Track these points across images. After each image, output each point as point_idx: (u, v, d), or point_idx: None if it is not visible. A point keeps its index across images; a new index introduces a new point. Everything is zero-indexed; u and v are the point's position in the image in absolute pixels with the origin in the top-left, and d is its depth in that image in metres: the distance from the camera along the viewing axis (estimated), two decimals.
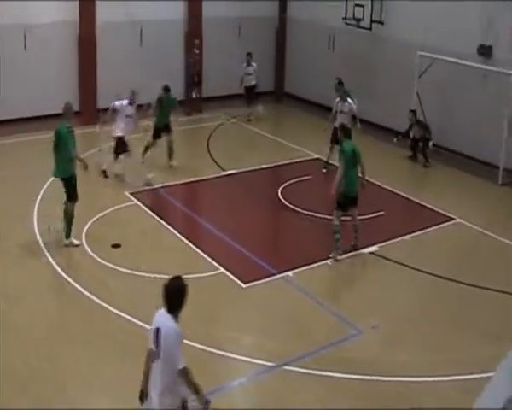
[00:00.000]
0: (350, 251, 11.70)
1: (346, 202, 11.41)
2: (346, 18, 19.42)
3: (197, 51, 20.16)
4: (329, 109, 19.93)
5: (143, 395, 6.04)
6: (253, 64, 19.72)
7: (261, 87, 20.16)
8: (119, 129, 14.21)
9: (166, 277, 6.01)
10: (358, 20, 19.13)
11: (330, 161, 15.33)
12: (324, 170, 15.52)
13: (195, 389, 5.87)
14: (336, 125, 14.31)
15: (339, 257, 11.43)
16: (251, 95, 19.81)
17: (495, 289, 10.76)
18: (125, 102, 14.24)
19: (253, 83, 19.74)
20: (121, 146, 14.22)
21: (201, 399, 5.91)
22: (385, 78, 18.38)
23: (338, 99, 15.47)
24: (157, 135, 15.24)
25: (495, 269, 11.62)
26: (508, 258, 12.14)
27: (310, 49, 21.48)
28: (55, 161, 11.20)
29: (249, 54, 19.81)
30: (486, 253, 12.34)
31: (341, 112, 15.23)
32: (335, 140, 14.22)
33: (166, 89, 15.22)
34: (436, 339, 9.44)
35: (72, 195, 11.33)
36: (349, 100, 15.30)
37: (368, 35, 19.14)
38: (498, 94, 15.84)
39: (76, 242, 11.41)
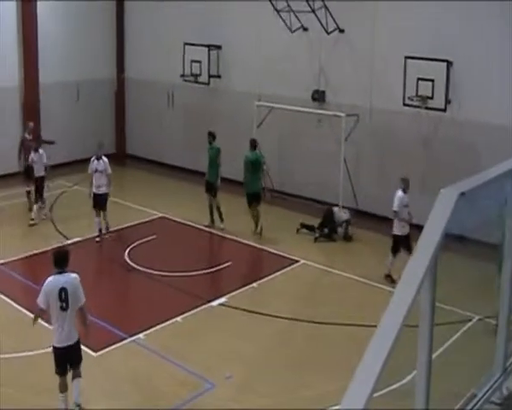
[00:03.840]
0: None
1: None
2: (183, 74, 19.63)
3: (29, 136, 16.71)
4: (172, 167, 20.20)
5: None
6: (40, 150, 15.87)
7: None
8: None
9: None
10: (196, 75, 19.39)
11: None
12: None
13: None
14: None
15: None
16: (40, 188, 15.94)
17: (342, 323, 11.17)
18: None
19: (42, 173, 15.85)
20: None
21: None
22: (225, 129, 18.58)
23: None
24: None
25: (339, 303, 12.08)
26: (347, 290, 12.67)
27: (150, 108, 21.56)
28: None
29: (38, 138, 16.62)
30: (330, 289, 12.80)
31: None
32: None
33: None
34: (290, 380, 9.61)
35: None
36: None
37: (206, 89, 19.44)
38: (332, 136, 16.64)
39: None
